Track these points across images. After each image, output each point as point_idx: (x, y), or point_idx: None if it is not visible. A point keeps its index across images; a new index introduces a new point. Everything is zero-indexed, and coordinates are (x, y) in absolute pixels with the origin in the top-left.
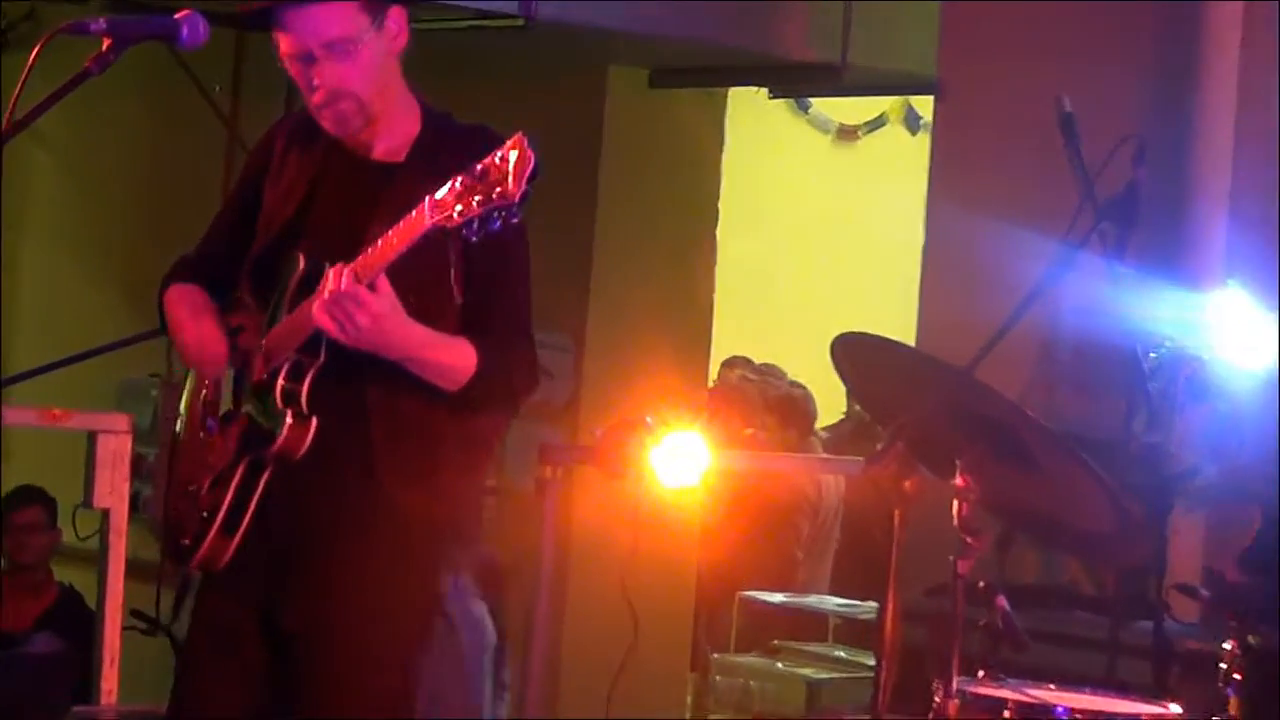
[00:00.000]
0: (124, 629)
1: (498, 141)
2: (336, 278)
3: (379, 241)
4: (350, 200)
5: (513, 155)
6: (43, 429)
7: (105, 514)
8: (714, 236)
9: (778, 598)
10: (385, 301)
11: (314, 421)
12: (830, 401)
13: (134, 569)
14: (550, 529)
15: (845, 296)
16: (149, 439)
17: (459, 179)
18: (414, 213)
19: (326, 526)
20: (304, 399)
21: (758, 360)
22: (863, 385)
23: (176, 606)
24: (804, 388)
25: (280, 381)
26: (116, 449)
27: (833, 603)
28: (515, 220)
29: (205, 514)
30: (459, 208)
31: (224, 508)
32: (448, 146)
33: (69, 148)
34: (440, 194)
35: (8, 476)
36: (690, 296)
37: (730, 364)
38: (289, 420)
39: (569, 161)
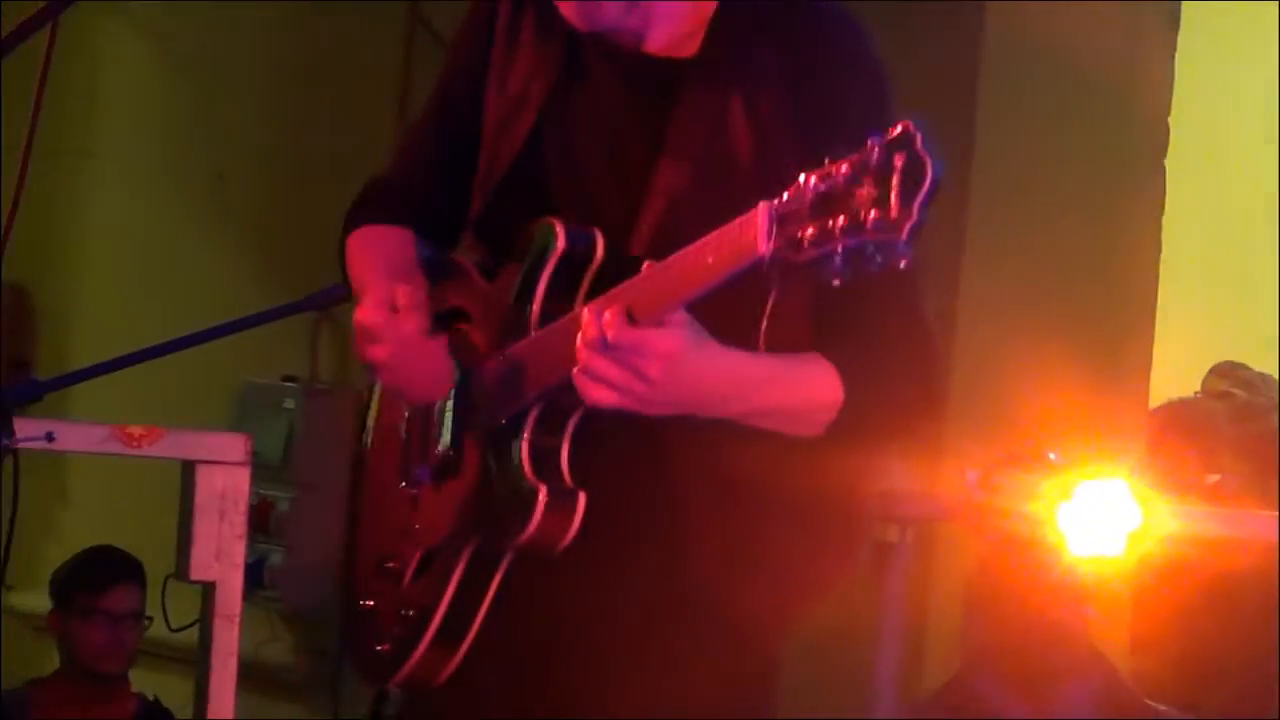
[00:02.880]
0: None
1: (854, 33)
2: (594, 319)
3: (681, 256)
4: (618, 123)
5: (898, 158)
6: (113, 456)
7: (209, 590)
8: (1161, 172)
9: None
10: (682, 336)
11: (581, 500)
12: None
13: (254, 677)
14: (893, 619)
15: None
16: (281, 476)
17: (812, 180)
18: (741, 225)
19: (613, 637)
20: (565, 465)
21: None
22: None
23: None
24: None
25: (527, 436)
26: (228, 490)
27: None
28: (904, 262)
29: (411, 611)
30: (812, 232)
31: (442, 608)
32: (770, 29)
33: (163, 20)
34: (785, 200)
35: (66, 527)
36: (1120, 264)
37: (1220, 372)
38: (542, 500)
39: (936, 58)
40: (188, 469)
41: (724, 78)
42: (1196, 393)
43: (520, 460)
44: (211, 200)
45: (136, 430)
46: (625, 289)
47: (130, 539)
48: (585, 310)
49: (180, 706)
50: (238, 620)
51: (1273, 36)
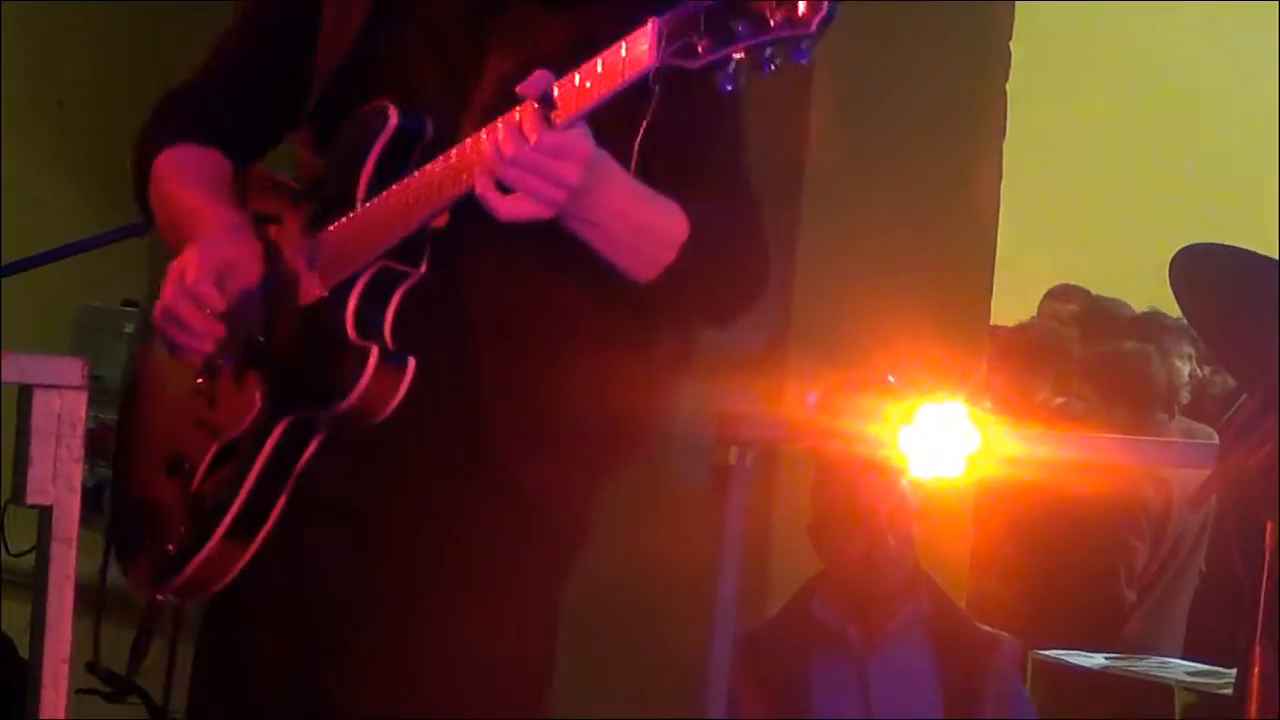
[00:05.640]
0: (77, 692)
1: None
2: (512, 128)
3: (570, 74)
4: (446, 24)
5: None
6: None
7: (45, 514)
8: (1003, 96)
9: (1096, 660)
10: (592, 141)
11: (410, 366)
12: None
13: (95, 602)
14: (731, 543)
15: (1203, 200)
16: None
17: None
18: (624, 43)
19: (404, 528)
20: (388, 333)
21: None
22: (1217, 325)
23: (135, 654)
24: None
25: (354, 302)
26: (65, 414)
27: (1182, 669)
28: (805, 60)
29: (206, 505)
30: (708, 39)
31: (241, 496)
32: None
33: None
34: (674, 12)
35: None
36: (961, 188)
37: (1057, 295)
38: (374, 359)
39: None
40: (24, 393)
41: None
42: (1033, 317)
43: (345, 325)
44: (52, 128)
45: None
46: (518, 109)
47: None
48: (499, 124)
49: (21, 631)
50: (75, 544)
51: None
